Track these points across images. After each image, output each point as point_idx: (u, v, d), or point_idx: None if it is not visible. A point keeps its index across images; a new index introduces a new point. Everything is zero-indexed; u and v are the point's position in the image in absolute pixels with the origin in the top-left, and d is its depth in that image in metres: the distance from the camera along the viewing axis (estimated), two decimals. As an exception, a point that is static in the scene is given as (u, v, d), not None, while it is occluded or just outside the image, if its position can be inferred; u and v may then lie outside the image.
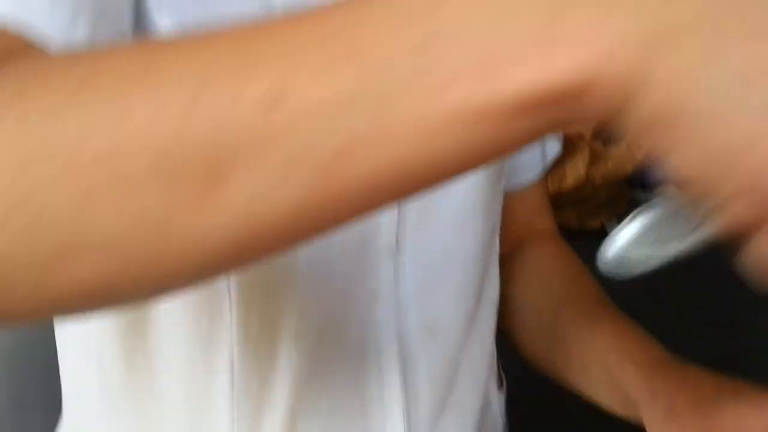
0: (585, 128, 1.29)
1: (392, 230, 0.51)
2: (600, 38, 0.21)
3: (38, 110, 0.24)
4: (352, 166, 0.23)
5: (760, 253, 0.23)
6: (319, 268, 0.50)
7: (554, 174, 1.23)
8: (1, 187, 0.24)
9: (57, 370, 0.57)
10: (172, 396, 0.51)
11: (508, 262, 0.68)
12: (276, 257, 0.28)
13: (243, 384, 0.49)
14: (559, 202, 1.23)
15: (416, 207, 0.52)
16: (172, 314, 0.49)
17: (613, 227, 0.28)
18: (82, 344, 0.55)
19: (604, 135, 1.31)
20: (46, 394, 0.64)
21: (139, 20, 0.44)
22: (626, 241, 0.29)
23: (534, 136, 0.24)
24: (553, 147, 0.77)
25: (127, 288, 0.26)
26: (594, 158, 1.29)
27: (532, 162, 0.73)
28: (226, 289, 0.48)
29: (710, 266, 0.60)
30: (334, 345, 0.51)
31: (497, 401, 0.64)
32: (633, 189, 1.35)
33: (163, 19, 0.44)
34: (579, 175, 1.27)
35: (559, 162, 1.07)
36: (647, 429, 0.47)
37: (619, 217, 1.21)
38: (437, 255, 0.54)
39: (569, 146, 1.24)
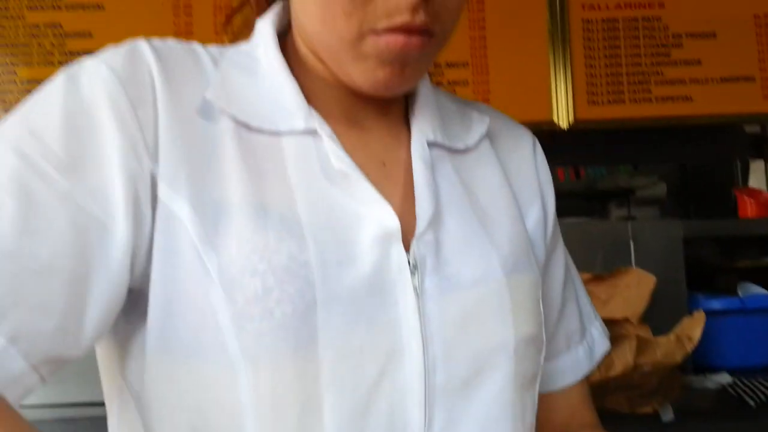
0: (633, 317, 1.31)
1: None
2: None
3: None
4: None
5: None
6: None
7: (601, 362, 1.24)
8: None
9: None
10: None
11: None
12: None
13: None
14: (608, 386, 1.22)
15: (444, 410, 0.55)
16: None
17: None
18: None
19: (651, 324, 1.32)
20: None
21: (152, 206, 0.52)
22: None
23: None
24: (601, 344, 0.78)
25: None
26: (642, 347, 1.30)
27: (576, 364, 0.75)
28: None
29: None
30: None
31: None
32: (686, 375, 1.34)
33: (182, 208, 0.52)
34: (627, 363, 1.28)
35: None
36: None
37: (673, 403, 1.19)
38: None
39: (616, 335, 1.25)
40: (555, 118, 2.30)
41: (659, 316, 1.59)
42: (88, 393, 1.51)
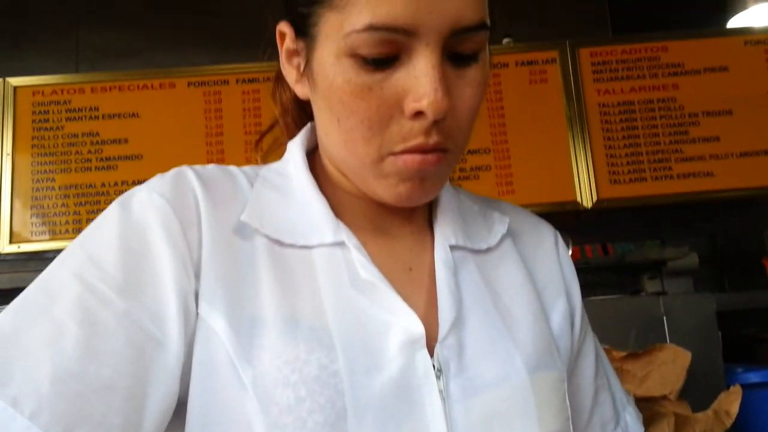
0: (670, 394, 1.31)
1: None
2: None
3: None
4: None
5: None
6: None
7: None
8: None
9: None
10: None
11: None
12: None
13: None
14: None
15: None
16: None
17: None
18: None
19: (689, 399, 1.32)
20: None
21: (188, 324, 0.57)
22: None
23: None
24: (636, 429, 0.79)
25: None
26: (680, 424, 1.30)
27: None
28: None
29: None
30: None
31: None
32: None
33: (219, 323, 0.56)
34: (667, 440, 1.27)
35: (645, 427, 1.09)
36: None
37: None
38: None
39: (654, 412, 1.25)
40: (578, 198, 2.34)
41: (697, 391, 1.57)
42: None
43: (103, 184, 2.36)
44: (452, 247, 0.68)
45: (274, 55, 0.68)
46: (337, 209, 0.66)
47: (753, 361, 2.05)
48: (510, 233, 0.74)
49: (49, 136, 2.39)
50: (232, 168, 0.68)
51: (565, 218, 2.48)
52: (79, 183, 2.36)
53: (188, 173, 0.64)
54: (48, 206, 2.33)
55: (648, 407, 1.32)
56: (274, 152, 0.76)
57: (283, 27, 0.64)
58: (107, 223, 0.60)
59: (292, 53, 0.65)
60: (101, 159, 2.38)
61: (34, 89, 2.43)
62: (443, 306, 0.63)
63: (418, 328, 0.59)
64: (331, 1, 0.56)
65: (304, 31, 0.61)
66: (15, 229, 2.31)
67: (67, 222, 2.33)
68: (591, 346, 0.77)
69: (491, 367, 0.61)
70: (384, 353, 0.58)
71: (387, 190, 0.62)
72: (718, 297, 1.99)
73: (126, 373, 0.53)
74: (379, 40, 0.54)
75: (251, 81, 2.44)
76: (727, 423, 1.30)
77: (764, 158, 2.37)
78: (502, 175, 2.37)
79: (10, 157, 2.36)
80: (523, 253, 0.74)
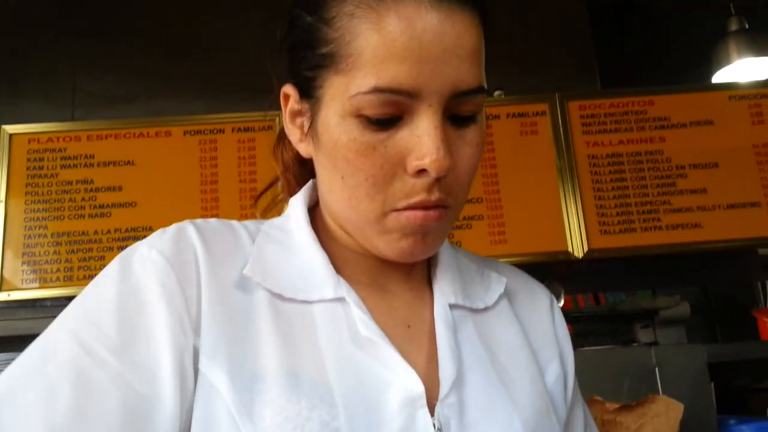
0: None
1: None
2: None
3: None
4: None
5: None
6: None
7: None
8: None
9: None
10: None
11: None
12: None
13: None
14: None
15: None
16: None
17: None
18: None
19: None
20: None
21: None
22: None
23: None
24: None
25: None
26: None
27: None
28: None
29: None
30: None
31: None
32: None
33: (220, 379, 0.57)
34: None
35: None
36: None
37: None
38: None
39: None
40: (570, 248, 2.36)
41: (691, 443, 1.57)
42: None
43: (96, 232, 2.36)
44: (451, 306, 0.69)
45: (275, 106, 0.70)
46: (338, 265, 0.67)
47: (746, 412, 2.05)
48: (506, 293, 0.75)
49: (43, 184, 2.39)
50: (234, 222, 0.70)
51: (556, 268, 2.50)
52: (72, 230, 2.36)
53: (189, 229, 0.65)
54: (39, 254, 2.32)
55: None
56: (272, 209, 0.78)
57: (288, 89, 0.67)
58: (107, 281, 0.61)
59: (296, 114, 0.67)
60: (95, 206, 2.38)
61: (30, 137, 2.44)
62: (444, 364, 0.63)
63: (418, 387, 0.60)
64: (337, 65, 0.59)
65: (309, 93, 0.63)
66: (6, 276, 2.29)
67: (58, 270, 2.32)
68: (580, 411, 0.78)
69: (491, 427, 0.62)
70: (384, 411, 0.58)
71: (389, 246, 0.63)
72: (710, 348, 1.99)
73: None
74: (383, 102, 0.57)
75: (247, 130, 2.47)
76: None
77: (751, 210, 2.41)
78: (494, 225, 2.39)
79: (2, 204, 2.36)
80: (519, 314, 0.75)
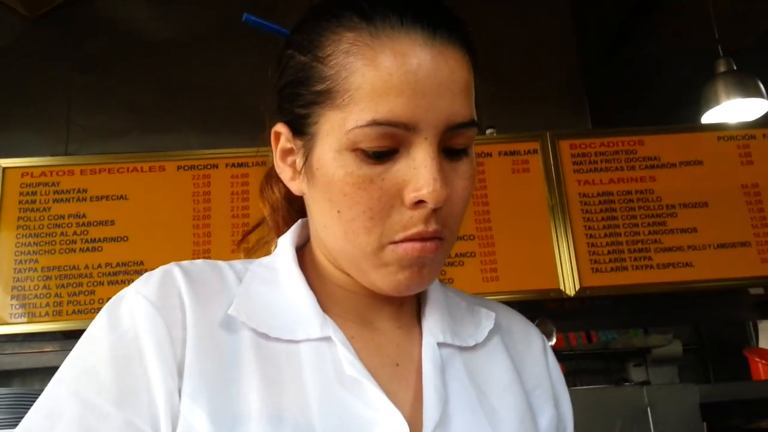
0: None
1: None
2: None
3: None
4: None
5: None
6: None
7: None
8: None
9: None
10: None
11: None
12: None
13: None
14: None
15: None
16: None
17: None
18: None
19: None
20: None
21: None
22: None
23: None
24: None
25: None
26: None
27: None
28: None
29: None
30: None
31: None
32: None
33: (201, 421, 0.57)
34: None
35: None
36: None
37: None
38: None
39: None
40: (561, 286, 2.36)
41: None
42: None
43: (86, 266, 2.35)
44: (440, 344, 0.69)
45: (265, 145, 0.70)
46: (326, 303, 0.67)
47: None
48: (498, 329, 0.75)
49: (35, 218, 2.39)
50: (221, 263, 0.70)
51: (548, 305, 2.50)
52: (63, 265, 2.35)
53: (174, 271, 0.65)
54: (29, 288, 2.31)
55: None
56: (257, 251, 0.78)
57: (280, 128, 0.67)
58: (98, 333, 0.62)
59: (288, 152, 0.68)
60: (86, 240, 2.38)
61: (23, 170, 2.45)
62: (428, 405, 0.63)
63: (403, 427, 0.60)
64: (333, 100, 0.60)
65: (302, 130, 0.64)
66: (-6, 310, 2.28)
67: (47, 305, 2.30)
68: None
69: None
70: None
71: (386, 279, 0.63)
72: (703, 388, 1.99)
73: None
74: (380, 135, 0.58)
75: (240, 165, 2.48)
76: None
77: (741, 250, 2.42)
78: (486, 262, 2.40)
79: (-6, 238, 2.36)
80: (512, 352, 0.75)
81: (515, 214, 2.45)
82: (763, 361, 2.40)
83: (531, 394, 0.73)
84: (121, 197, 2.43)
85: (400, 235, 0.61)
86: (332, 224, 0.63)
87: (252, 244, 0.80)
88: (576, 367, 3.67)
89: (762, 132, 2.59)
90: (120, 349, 0.60)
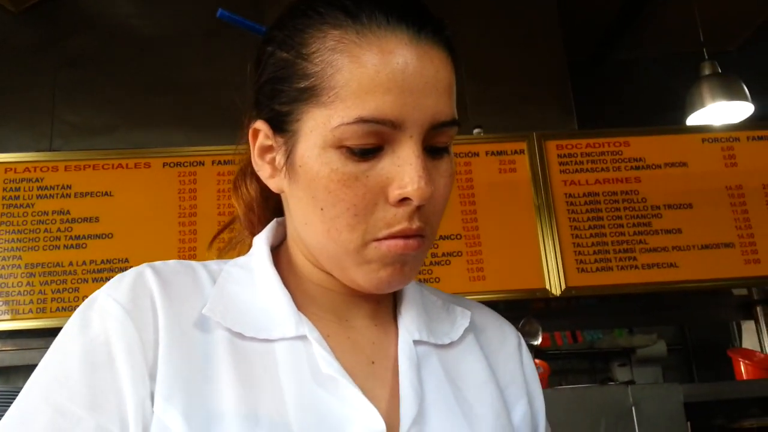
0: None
1: None
2: None
3: None
4: None
5: None
6: None
7: None
8: None
9: None
10: None
11: None
12: None
13: None
14: None
15: None
16: None
17: None
18: None
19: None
20: None
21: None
22: None
23: None
24: None
25: None
26: None
27: None
28: None
29: None
30: None
31: None
32: None
33: (175, 420, 0.57)
34: None
35: None
36: None
37: None
38: None
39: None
40: (547, 286, 2.37)
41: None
42: None
43: (71, 263, 2.33)
44: (416, 342, 0.69)
45: (242, 142, 0.70)
46: (301, 302, 0.67)
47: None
48: (472, 328, 0.76)
49: (18, 213, 2.37)
50: (195, 263, 0.70)
51: (534, 305, 2.50)
52: (46, 261, 2.33)
53: (146, 273, 0.65)
54: (12, 284, 2.28)
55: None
56: (230, 251, 0.78)
57: (259, 125, 0.67)
58: (70, 337, 0.62)
59: (266, 149, 0.67)
60: (70, 237, 2.35)
61: (7, 166, 2.42)
62: (405, 401, 0.63)
63: (379, 425, 0.60)
64: (317, 98, 0.60)
65: (284, 127, 0.64)
66: (-24, 307, 2.25)
67: (30, 302, 2.28)
68: None
69: None
70: None
71: (367, 276, 0.63)
72: (686, 387, 2.00)
73: None
74: (366, 132, 0.58)
75: (226, 162, 2.47)
76: None
77: (725, 251, 2.44)
78: (472, 261, 2.40)
79: (-24, 234, 2.33)
80: (486, 349, 0.75)
81: (502, 214, 2.45)
82: (747, 362, 2.43)
83: (505, 390, 0.73)
84: (106, 194, 2.41)
85: (384, 232, 0.61)
86: (314, 222, 0.63)
87: (225, 243, 0.80)
88: (561, 366, 3.68)
89: (746, 134, 2.61)
90: (91, 354, 0.60)
